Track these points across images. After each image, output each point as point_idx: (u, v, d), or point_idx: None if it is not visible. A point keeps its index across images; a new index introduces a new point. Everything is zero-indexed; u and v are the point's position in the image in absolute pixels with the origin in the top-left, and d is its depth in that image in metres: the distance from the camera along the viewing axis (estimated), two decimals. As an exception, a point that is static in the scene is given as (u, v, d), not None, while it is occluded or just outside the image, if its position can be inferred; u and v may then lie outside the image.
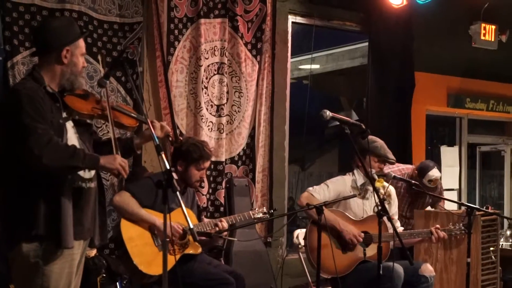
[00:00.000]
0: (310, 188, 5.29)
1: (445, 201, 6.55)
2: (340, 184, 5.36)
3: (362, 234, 5.11)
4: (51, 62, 3.60)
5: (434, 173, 6.41)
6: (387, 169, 6.35)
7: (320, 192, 5.21)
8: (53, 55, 3.59)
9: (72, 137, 3.59)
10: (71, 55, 3.60)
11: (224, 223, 5.03)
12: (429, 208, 6.71)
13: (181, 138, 4.65)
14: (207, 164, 5.09)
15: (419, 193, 6.39)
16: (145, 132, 3.91)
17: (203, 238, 4.89)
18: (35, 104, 3.43)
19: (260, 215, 5.36)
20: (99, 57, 5.09)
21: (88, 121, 3.82)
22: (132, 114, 3.83)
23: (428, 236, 5.28)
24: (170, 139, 4.02)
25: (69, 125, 3.61)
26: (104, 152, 3.65)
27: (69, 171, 3.50)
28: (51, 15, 5.91)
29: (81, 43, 3.68)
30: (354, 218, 5.25)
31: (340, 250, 5.13)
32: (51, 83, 3.59)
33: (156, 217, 4.74)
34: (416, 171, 6.51)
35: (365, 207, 5.35)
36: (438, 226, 5.33)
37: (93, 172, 3.67)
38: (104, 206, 3.84)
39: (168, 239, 3.35)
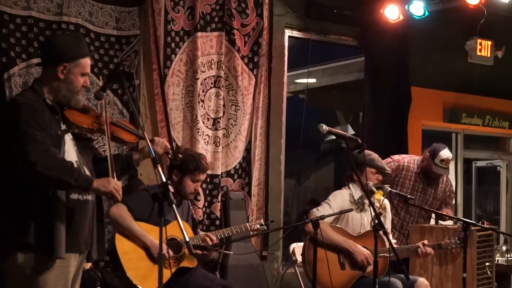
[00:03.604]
0: (313, 210, 5.25)
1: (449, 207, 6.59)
2: (340, 199, 5.37)
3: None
4: (50, 76, 3.61)
5: (445, 153, 6.29)
6: (398, 156, 6.57)
7: (324, 213, 5.16)
8: (51, 69, 3.60)
9: (70, 150, 3.59)
10: (68, 72, 3.59)
11: (212, 237, 4.98)
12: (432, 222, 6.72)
13: (180, 156, 4.63)
14: (202, 176, 5.06)
15: (429, 182, 6.46)
16: (145, 148, 3.89)
17: (199, 252, 4.86)
18: (34, 113, 3.44)
19: (257, 226, 5.34)
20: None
21: (88, 135, 3.82)
22: (132, 130, 3.83)
23: (415, 251, 5.31)
24: (170, 156, 4.03)
25: (68, 137, 3.60)
26: (103, 168, 3.63)
27: (60, 186, 3.47)
28: (48, 27, 5.92)
29: (84, 62, 3.65)
30: (352, 234, 5.25)
31: (339, 267, 5.12)
32: (50, 96, 3.60)
33: (148, 236, 4.70)
34: (427, 153, 6.40)
35: (363, 220, 5.36)
36: (425, 241, 5.37)
37: None
38: (103, 221, 3.82)
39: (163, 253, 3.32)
